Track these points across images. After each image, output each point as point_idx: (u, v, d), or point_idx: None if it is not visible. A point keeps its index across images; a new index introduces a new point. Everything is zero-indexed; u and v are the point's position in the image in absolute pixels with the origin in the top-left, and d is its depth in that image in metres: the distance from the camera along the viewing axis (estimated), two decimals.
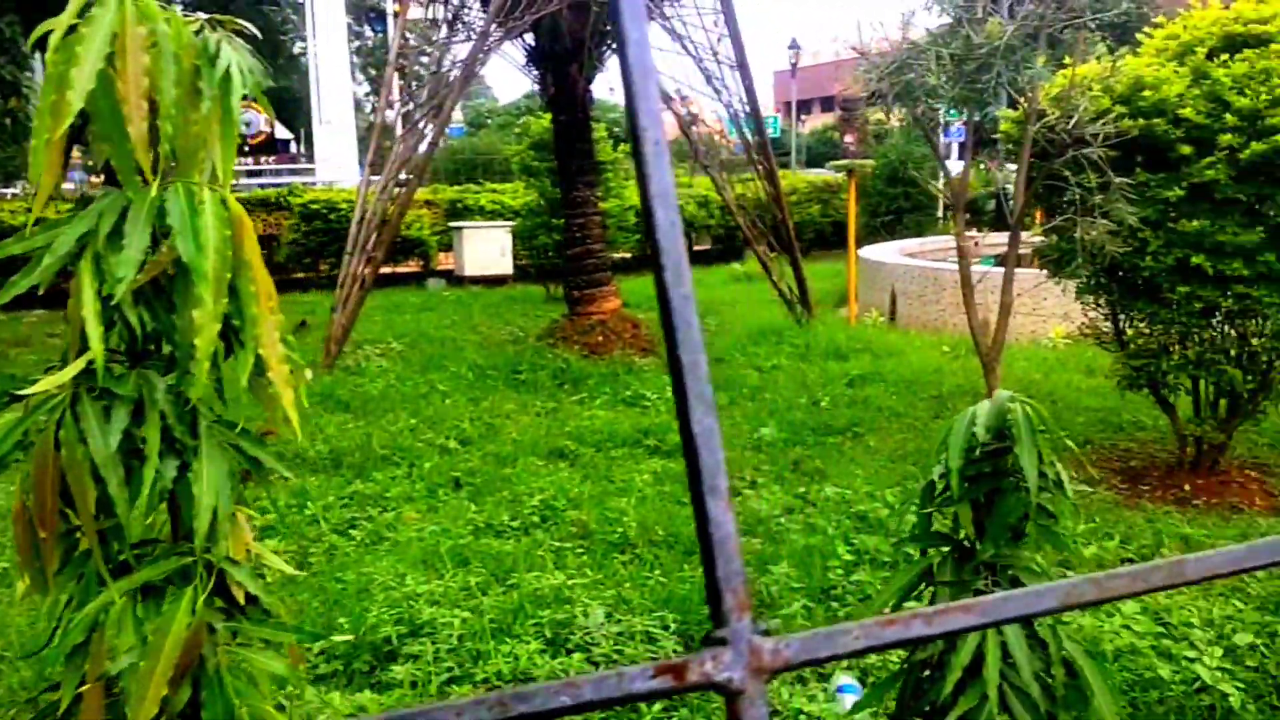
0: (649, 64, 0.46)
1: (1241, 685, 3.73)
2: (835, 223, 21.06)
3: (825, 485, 6.04)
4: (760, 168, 10.89)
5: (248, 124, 25.66)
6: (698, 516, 0.43)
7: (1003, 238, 6.28)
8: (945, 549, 1.97)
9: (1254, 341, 5.66)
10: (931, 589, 1.98)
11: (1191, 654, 3.87)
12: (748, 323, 11.49)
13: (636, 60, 0.46)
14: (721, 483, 0.43)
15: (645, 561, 4.98)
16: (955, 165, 19.66)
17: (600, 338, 10.10)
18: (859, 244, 14.95)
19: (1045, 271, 6.18)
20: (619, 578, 4.76)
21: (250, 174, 26.27)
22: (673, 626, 4.16)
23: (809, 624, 4.16)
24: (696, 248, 21.62)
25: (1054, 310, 10.01)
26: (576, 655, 3.90)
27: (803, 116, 47.43)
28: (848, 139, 28.39)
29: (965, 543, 1.94)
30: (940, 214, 20.63)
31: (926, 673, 2.01)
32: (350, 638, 4.21)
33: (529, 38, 10.38)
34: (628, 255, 19.23)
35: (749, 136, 10.70)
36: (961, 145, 16.08)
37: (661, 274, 0.45)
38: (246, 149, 25.96)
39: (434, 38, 10.69)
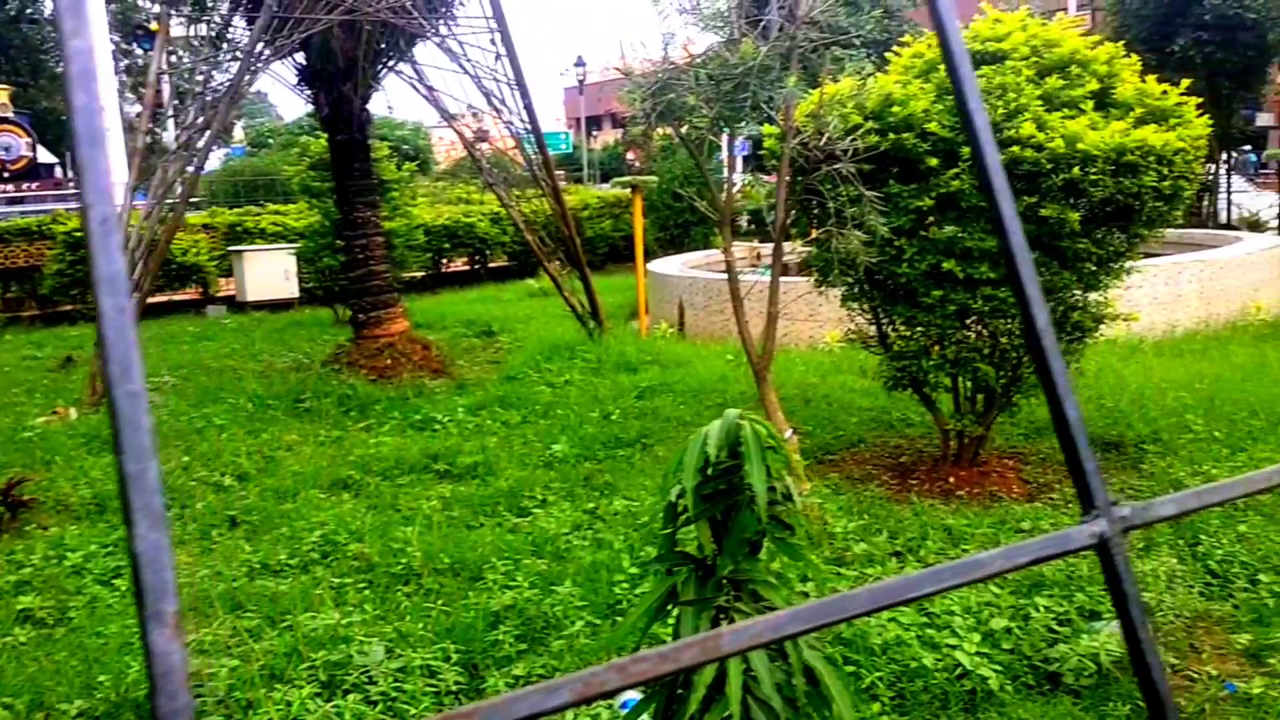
0: (99, 131, 0.42)
1: (999, 668, 3.96)
2: (627, 237, 21.32)
3: (615, 499, 6.08)
4: (544, 185, 10.90)
5: (7, 149, 23.86)
6: None
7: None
8: (689, 567, 2.00)
9: (1003, 340, 6.04)
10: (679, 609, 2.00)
11: (953, 641, 4.07)
12: (542, 339, 11.47)
13: (83, 128, 0.41)
14: (168, 607, 0.39)
15: (430, 591, 4.87)
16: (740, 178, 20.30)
17: (389, 361, 9.87)
18: (649, 257, 15.20)
19: (813, 280, 6.42)
20: (401, 610, 4.64)
21: (10, 201, 24.40)
22: (455, 657, 4.08)
23: (592, 643, 4.17)
24: (493, 264, 21.50)
25: (830, 315, 10.42)
26: (352, 696, 3.77)
27: (594, 132, 47.94)
28: (630, 156, 28.84)
29: (707, 560, 1.98)
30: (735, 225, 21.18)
31: (680, 690, 2.03)
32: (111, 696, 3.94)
33: (300, 57, 10.06)
34: (419, 274, 18.91)
35: (530, 154, 10.70)
36: (746, 159, 16.64)
37: (106, 368, 0.40)
38: (6, 175, 24.08)
39: (201, 57, 10.22)
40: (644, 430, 7.58)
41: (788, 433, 5.17)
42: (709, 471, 1.90)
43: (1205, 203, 17.95)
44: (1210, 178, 18.03)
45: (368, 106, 10.22)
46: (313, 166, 13.85)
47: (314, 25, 8.80)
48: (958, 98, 0.58)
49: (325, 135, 11.18)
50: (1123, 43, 16.52)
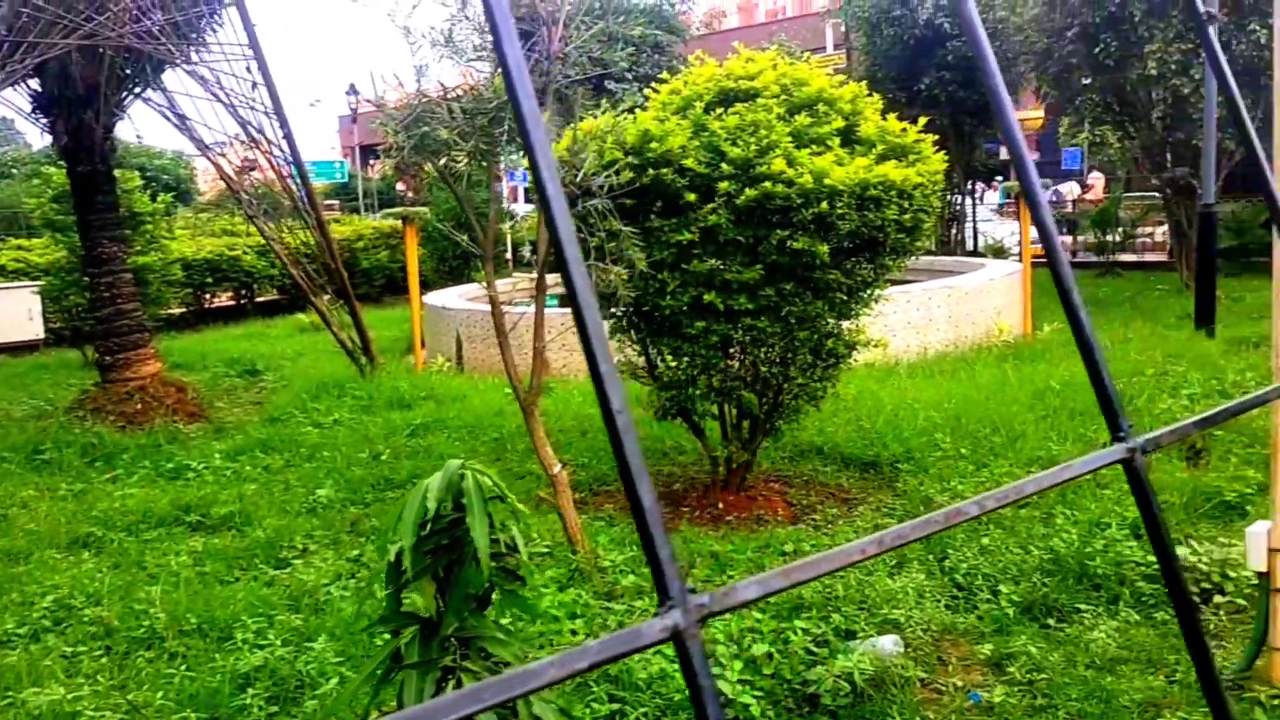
0: None
1: (760, 693, 4.01)
2: (405, 268, 20.92)
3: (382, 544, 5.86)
4: (307, 217, 10.52)
5: None
6: None
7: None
8: (414, 628, 1.90)
9: (764, 369, 6.21)
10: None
11: (716, 671, 4.10)
12: (310, 376, 11.03)
13: None
14: None
15: (174, 655, 4.53)
16: (526, 209, 20.28)
17: (139, 406, 9.23)
18: (428, 289, 14.91)
19: None
20: (141, 678, 4.29)
21: None
22: None
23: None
24: (260, 299, 20.59)
25: (612, 344, 10.49)
26: None
27: (371, 161, 46.83)
28: (401, 186, 28.36)
29: (432, 619, 1.89)
30: (510, 256, 21.12)
31: None
32: None
33: (35, 82, 9.33)
34: (179, 311, 17.91)
35: (294, 186, 10.30)
36: (526, 190, 16.60)
37: None
38: None
39: None
40: (415, 470, 7.37)
41: (556, 467, 5.12)
42: (428, 528, 1.81)
43: (954, 231, 19.22)
44: (958, 208, 19.35)
45: (112, 135, 9.58)
46: (55, 199, 12.87)
47: (49, 50, 8.18)
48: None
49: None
50: (875, 80, 17.46)
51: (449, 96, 4.66)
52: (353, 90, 33.04)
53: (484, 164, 4.85)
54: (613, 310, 6.33)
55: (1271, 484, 4.00)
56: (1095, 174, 28.00)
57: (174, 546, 6.09)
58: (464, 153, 4.72)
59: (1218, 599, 4.61)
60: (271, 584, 5.40)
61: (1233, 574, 4.68)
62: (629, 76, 18.94)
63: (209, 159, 9.89)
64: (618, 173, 4.80)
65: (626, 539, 5.71)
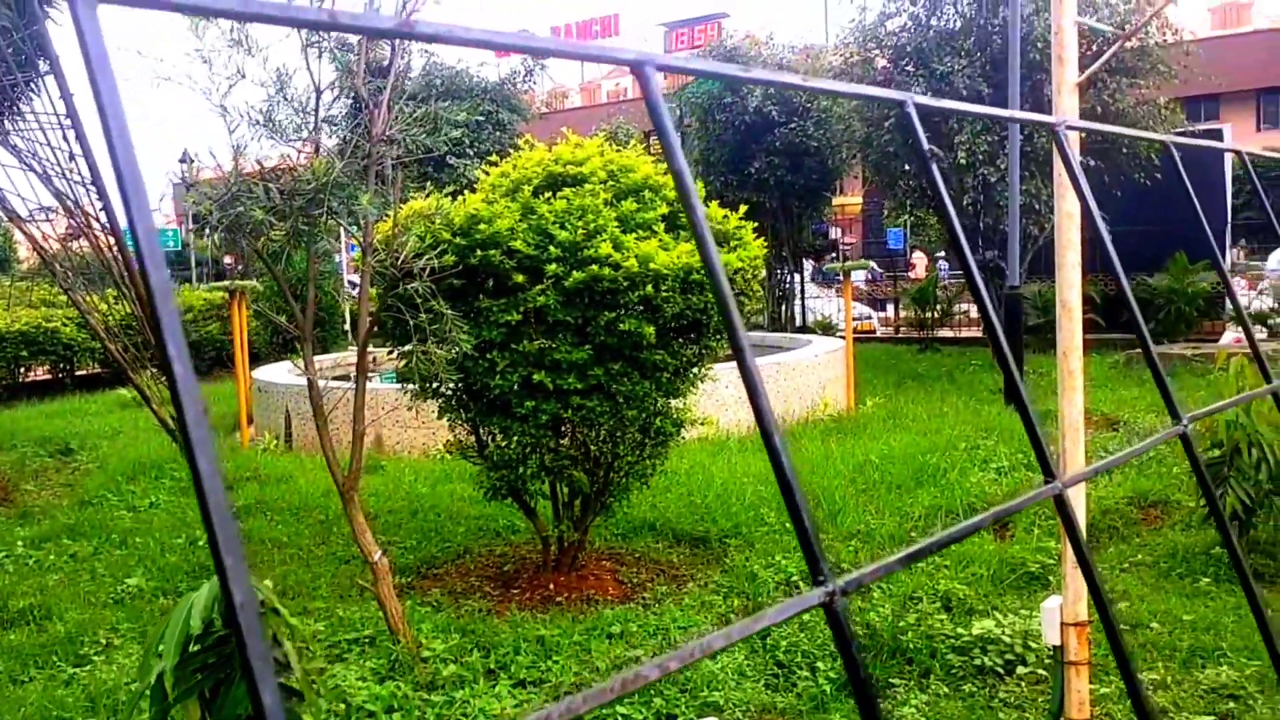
0: None
1: None
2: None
3: None
4: (125, 290, 10.10)
5: None
6: None
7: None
8: None
9: (593, 448, 6.25)
10: None
11: None
12: (126, 456, 10.50)
13: None
14: None
15: None
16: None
17: None
18: (261, 363, 14.48)
19: (410, 394, 6.37)
20: None
21: None
22: None
23: None
24: (82, 372, 19.55)
25: (444, 423, 10.38)
26: None
27: (207, 229, 45.46)
28: (229, 260, 27.63)
29: None
30: (347, 329, 20.71)
31: None
32: None
33: None
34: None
35: (114, 256, 9.88)
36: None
37: None
38: None
39: None
40: None
41: (376, 555, 5.01)
42: (192, 647, 1.75)
43: (784, 308, 19.87)
44: (788, 286, 20.04)
45: None
46: None
47: None
48: None
49: None
50: (710, 163, 18.01)
51: (266, 176, 4.60)
52: (185, 158, 32.09)
53: (302, 244, 4.78)
54: (441, 390, 6.29)
55: (1063, 559, 4.24)
56: (918, 253, 29.49)
57: None
58: (281, 233, 4.65)
59: (1020, 670, 4.83)
60: (70, 683, 5.08)
61: (1034, 645, 4.92)
62: (470, 153, 19.08)
63: (22, 230, 9.41)
64: (441, 254, 4.81)
65: (452, 625, 5.61)
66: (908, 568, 6.06)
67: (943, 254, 27.52)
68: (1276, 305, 16.34)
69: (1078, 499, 3.96)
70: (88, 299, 10.39)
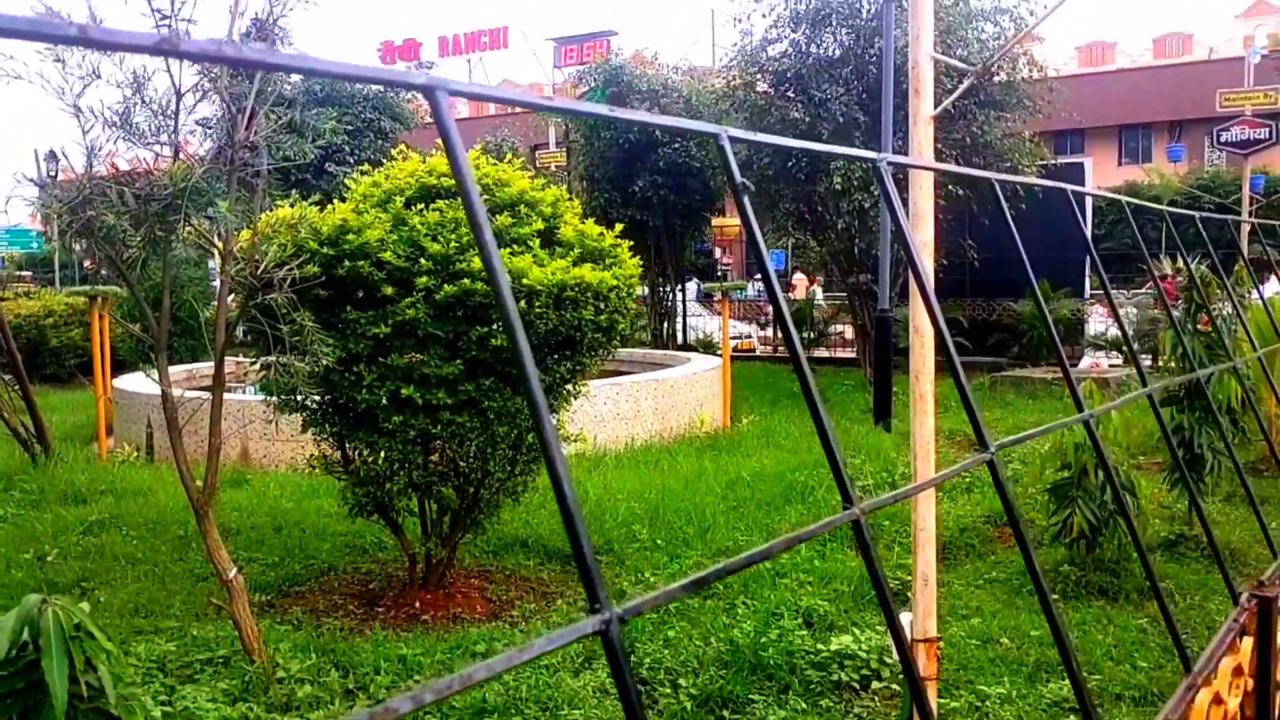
0: None
1: None
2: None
3: None
4: None
5: None
6: None
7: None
8: None
9: (463, 464, 6.19)
10: None
11: None
12: None
13: None
14: None
15: None
16: None
17: None
18: (125, 370, 13.92)
19: (273, 406, 6.21)
20: None
21: None
22: None
23: None
24: None
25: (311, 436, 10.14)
26: None
27: (70, 234, 43.54)
28: (88, 264, 26.56)
29: None
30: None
31: None
32: None
33: None
34: None
35: None
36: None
37: None
38: None
39: None
40: (85, 572, 6.80)
41: (231, 572, 4.87)
42: (1, 672, 1.67)
43: (666, 325, 20.03)
44: (669, 304, 20.21)
45: None
46: None
47: None
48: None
49: None
50: (594, 180, 18.08)
51: (120, 180, 4.45)
52: (51, 156, 30.77)
53: (159, 251, 4.63)
54: (306, 403, 6.15)
55: (913, 579, 4.37)
56: (799, 275, 30.07)
57: None
58: (137, 239, 4.49)
59: (875, 684, 4.95)
60: None
61: (889, 660, 5.04)
62: (350, 160, 18.75)
63: None
64: (304, 264, 4.71)
65: (311, 645, 5.47)
66: (692, 588, 6.15)
67: (821, 275, 28.16)
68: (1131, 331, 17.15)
69: (928, 515, 4.09)
70: None
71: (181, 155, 4.55)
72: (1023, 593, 6.24)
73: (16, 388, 10.46)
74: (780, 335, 20.50)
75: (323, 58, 0.83)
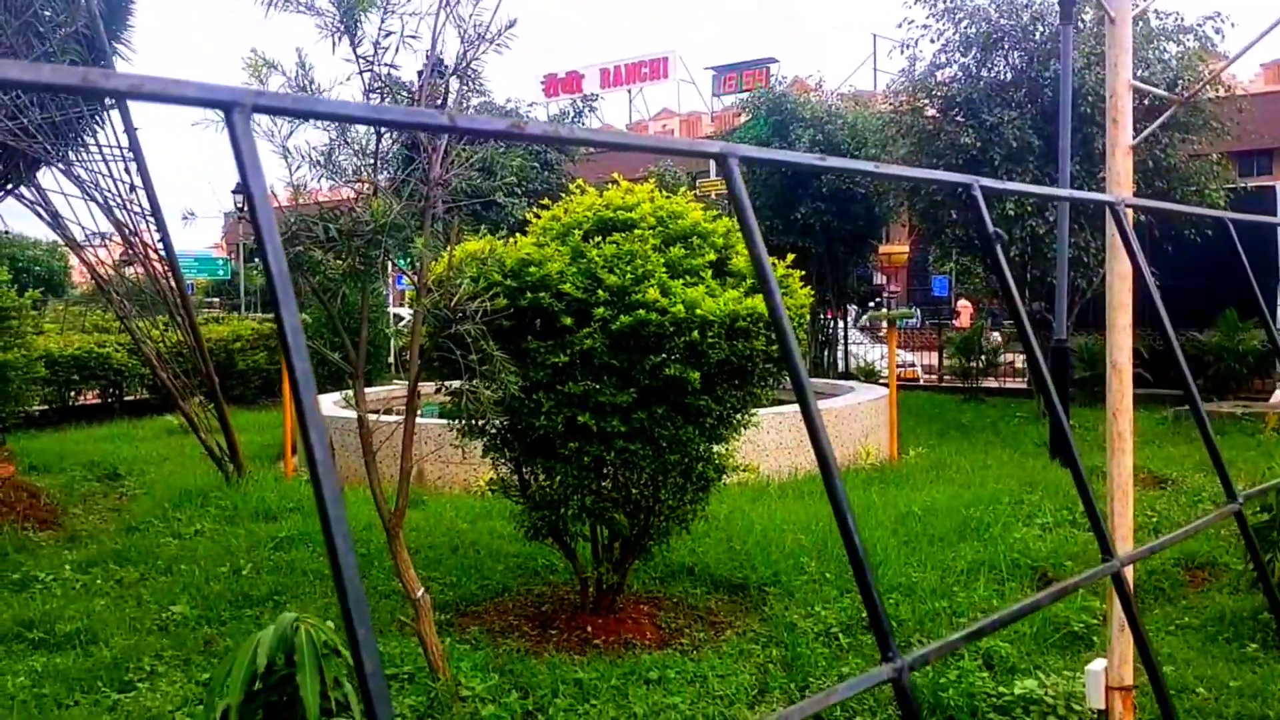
0: None
1: None
2: (281, 370, 20.48)
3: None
4: (179, 317, 10.32)
5: None
6: None
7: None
8: None
9: (634, 491, 6.28)
10: None
11: None
12: (173, 483, 10.67)
13: None
14: None
15: None
16: (406, 313, 20.18)
17: None
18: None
19: (456, 431, 6.44)
20: None
21: None
22: None
23: None
24: (130, 398, 19.90)
25: (486, 459, 10.45)
26: None
27: (257, 259, 46.19)
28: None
29: None
30: (392, 360, 20.89)
31: None
32: None
33: None
34: (39, 409, 17.17)
35: (168, 285, 10.13)
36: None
37: None
38: None
39: None
40: (277, 586, 7.17)
41: (419, 592, 5.06)
42: (258, 684, 1.80)
43: (827, 353, 19.82)
44: (831, 331, 20.01)
45: None
46: None
47: None
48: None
49: None
50: (755, 208, 18.23)
51: (325, 216, 4.71)
52: (240, 188, 32.76)
53: (358, 283, 4.88)
54: (486, 428, 6.36)
55: (1108, 622, 4.20)
56: (963, 301, 29.30)
57: (12, 665, 5.77)
58: (339, 271, 4.75)
59: None
60: (114, 709, 5.15)
61: (1077, 707, 4.85)
62: (518, 191, 19.28)
63: (81, 258, 9.67)
64: (494, 297, 4.89)
65: (490, 664, 5.64)
66: (973, 642, 6.01)
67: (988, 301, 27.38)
68: None
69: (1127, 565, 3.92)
70: (140, 325, 10.63)
71: (380, 192, 4.79)
72: (1218, 640, 5.91)
73: (212, 408, 11.13)
74: (946, 365, 20.01)
75: (620, 133, 0.89)
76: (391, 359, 20.90)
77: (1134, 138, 3.78)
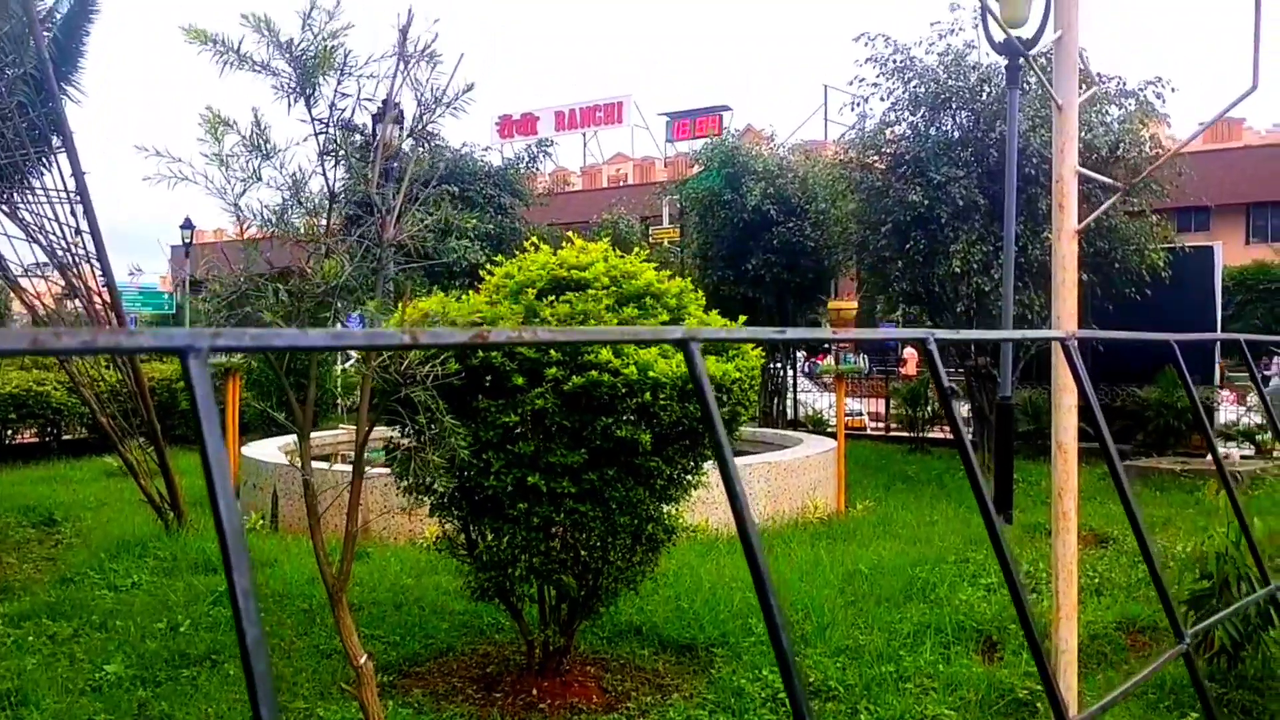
0: None
1: None
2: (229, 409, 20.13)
3: None
4: (120, 359, 10.13)
5: None
6: None
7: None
8: None
9: (584, 553, 6.23)
10: None
11: None
12: (110, 531, 10.42)
13: None
14: None
15: None
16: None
17: None
18: (252, 434, 14.41)
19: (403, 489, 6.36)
20: None
21: None
22: None
23: None
24: (68, 437, 19.46)
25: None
26: None
27: (203, 294, 45.63)
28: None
29: None
30: (339, 402, 20.63)
31: None
32: None
33: None
34: None
35: (108, 318, 9.95)
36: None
37: None
38: None
39: None
40: (216, 644, 7.00)
41: (362, 658, 4.97)
42: None
43: (776, 402, 19.93)
44: (780, 380, 20.14)
45: None
46: None
47: None
48: None
49: None
50: (708, 257, 18.21)
51: (274, 277, 4.67)
52: (188, 224, 32.43)
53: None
54: (433, 487, 6.29)
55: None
56: (909, 350, 29.66)
57: None
58: None
59: None
60: None
61: None
62: (470, 235, 19.27)
63: (21, 300, 9.48)
64: (444, 361, 4.86)
65: None
66: (897, 688, 6.02)
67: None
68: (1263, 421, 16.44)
69: (1070, 637, 3.96)
70: (79, 364, 10.42)
71: (331, 253, 4.75)
72: (1159, 708, 5.97)
73: (153, 451, 10.90)
74: (893, 413, 20.19)
75: (587, 329, 0.89)
76: (340, 401, 20.65)
77: (1079, 222, 3.86)
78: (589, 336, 0.87)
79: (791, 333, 1.06)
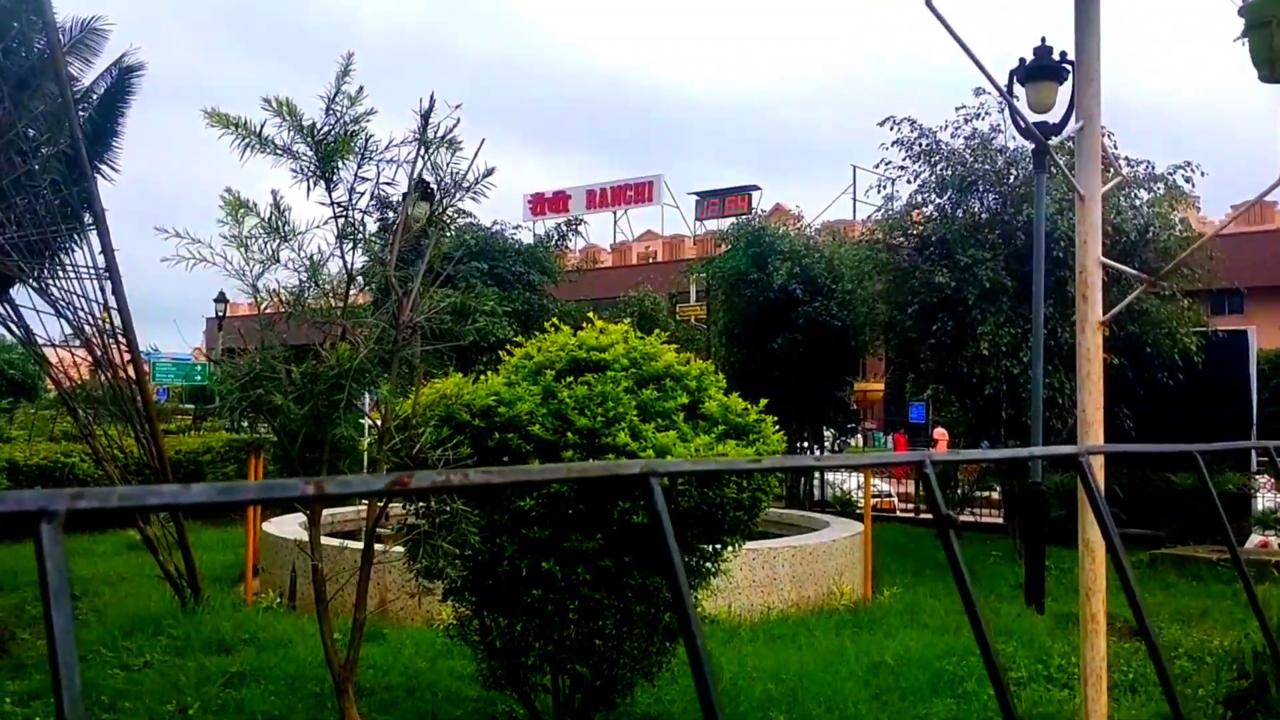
0: None
1: None
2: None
3: None
4: (144, 436, 10.15)
5: None
6: None
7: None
8: None
9: (598, 641, 6.09)
10: None
11: None
12: (126, 607, 10.33)
13: None
14: None
15: None
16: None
17: None
18: (274, 511, 14.38)
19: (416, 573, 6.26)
20: None
21: None
22: None
23: None
24: None
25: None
26: None
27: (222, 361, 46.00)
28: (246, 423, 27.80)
29: None
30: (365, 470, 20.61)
31: None
32: None
33: None
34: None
35: (135, 399, 9.99)
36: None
37: None
38: None
39: None
40: None
41: None
42: None
43: (802, 481, 19.69)
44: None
45: None
46: None
47: None
48: None
49: None
50: (733, 335, 18.12)
51: (289, 359, 4.64)
52: (221, 297, 32.87)
53: (321, 426, 4.78)
54: (446, 571, 6.18)
55: None
56: (939, 429, 29.35)
57: None
58: (299, 416, 4.65)
59: None
60: None
61: None
62: (500, 310, 19.35)
63: (49, 376, 9.54)
64: (457, 446, 4.79)
65: None
66: None
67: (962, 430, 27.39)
68: None
69: None
70: (106, 434, 10.43)
71: (347, 337, 4.73)
72: None
73: (171, 525, 10.86)
74: (922, 495, 19.88)
75: (531, 468, 0.82)
76: (366, 469, 20.62)
77: (1105, 314, 3.77)
78: (531, 476, 0.80)
79: (769, 462, 0.99)
